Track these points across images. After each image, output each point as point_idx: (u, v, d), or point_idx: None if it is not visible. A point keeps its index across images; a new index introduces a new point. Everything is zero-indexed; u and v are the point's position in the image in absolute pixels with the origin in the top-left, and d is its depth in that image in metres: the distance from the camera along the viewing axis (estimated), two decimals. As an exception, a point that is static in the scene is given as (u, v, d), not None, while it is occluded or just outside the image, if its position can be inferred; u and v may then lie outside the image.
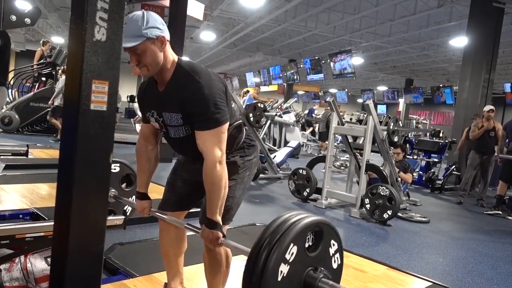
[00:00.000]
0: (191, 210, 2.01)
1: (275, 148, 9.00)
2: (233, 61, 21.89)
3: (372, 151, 5.10)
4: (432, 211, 5.84)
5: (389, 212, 4.57)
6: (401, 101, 21.58)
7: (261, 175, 6.60)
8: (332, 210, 5.21)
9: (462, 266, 3.63)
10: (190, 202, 1.97)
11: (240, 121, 1.86)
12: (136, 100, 4.43)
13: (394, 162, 5.59)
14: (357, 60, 15.78)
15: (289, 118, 9.98)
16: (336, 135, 6.17)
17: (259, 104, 6.86)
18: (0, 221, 2.90)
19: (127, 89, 19.61)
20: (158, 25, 1.58)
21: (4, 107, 7.95)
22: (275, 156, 7.37)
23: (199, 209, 1.85)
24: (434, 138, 9.54)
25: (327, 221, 1.39)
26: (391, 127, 5.93)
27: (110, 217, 2.36)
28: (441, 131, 10.68)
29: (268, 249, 1.25)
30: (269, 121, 8.25)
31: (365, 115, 7.73)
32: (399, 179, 5.62)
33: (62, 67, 8.66)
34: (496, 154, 6.38)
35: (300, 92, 25.47)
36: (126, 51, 1.54)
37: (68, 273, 1.36)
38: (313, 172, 5.49)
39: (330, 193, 5.28)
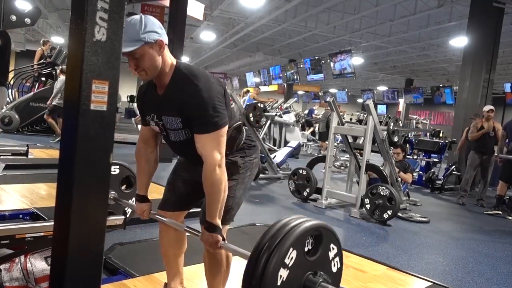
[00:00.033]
0: (191, 210, 2.01)
1: (275, 148, 9.00)
2: (233, 61, 21.90)
3: (372, 151, 5.10)
4: (432, 211, 5.84)
5: (389, 212, 4.57)
6: (401, 101, 21.58)
7: (261, 175, 6.60)
8: (332, 210, 5.21)
9: (462, 266, 3.63)
10: (190, 202, 1.97)
11: (240, 122, 1.86)
12: (135, 102, 4.42)
13: (394, 162, 5.59)
14: (357, 60, 15.78)
15: (289, 118, 9.98)
16: (336, 135, 6.18)
17: (259, 104, 6.87)
18: (0, 221, 2.89)
19: (127, 89, 19.61)
20: (156, 29, 1.58)
21: (4, 107, 7.95)
22: (275, 156, 7.37)
23: (199, 209, 1.85)
24: (434, 138, 9.54)
25: (326, 225, 1.39)
26: (391, 127, 5.93)
27: (110, 217, 2.36)
28: (441, 131, 10.69)
29: (268, 254, 1.25)
30: (269, 121, 8.25)
31: (365, 115, 7.73)
32: (399, 179, 5.62)
33: (61, 67, 8.64)
34: (496, 154, 6.38)
35: (300, 92, 25.47)
36: (124, 56, 1.54)
37: (68, 273, 1.36)
38: (313, 172, 5.49)
39: (330, 193, 5.28)
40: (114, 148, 1.45)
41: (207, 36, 15.55)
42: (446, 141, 8.32)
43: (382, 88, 22.12)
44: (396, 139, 6.07)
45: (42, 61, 9.73)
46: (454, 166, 7.92)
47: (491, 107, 6.73)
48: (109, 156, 1.42)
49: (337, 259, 1.43)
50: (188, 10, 8.31)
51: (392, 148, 6.07)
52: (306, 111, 16.27)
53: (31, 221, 3.02)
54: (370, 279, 2.84)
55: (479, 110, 7.52)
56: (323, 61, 14.30)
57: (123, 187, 2.47)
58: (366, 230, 4.45)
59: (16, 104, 9.09)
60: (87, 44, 1.30)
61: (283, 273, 1.25)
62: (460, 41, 11.27)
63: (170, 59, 1.67)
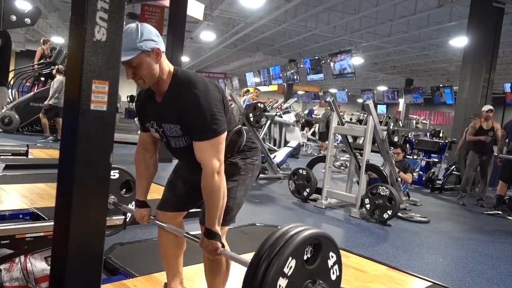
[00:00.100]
0: (191, 210, 2.01)
1: (275, 148, 9.01)
2: (233, 61, 21.90)
3: (372, 151, 5.10)
4: (432, 211, 5.84)
5: (389, 212, 4.57)
6: (401, 101, 21.57)
7: (261, 175, 6.60)
8: (332, 210, 5.21)
9: (462, 266, 3.63)
10: (190, 202, 1.97)
11: (240, 126, 1.86)
12: (134, 108, 4.39)
13: (394, 162, 5.59)
14: (357, 60, 15.78)
15: (289, 118, 9.99)
16: (336, 135, 6.18)
17: (259, 104, 6.87)
18: (0, 221, 2.89)
19: (127, 89, 19.55)
20: (152, 37, 1.58)
21: (4, 107, 7.94)
22: (275, 156, 7.37)
23: (199, 210, 1.85)
24: (434, 138, 9.55)
25: (326, 233, 1.40)
26: (391, 127, 5.93)
27: (109, 217, 2.36)
28: (441, 131, 10.69)
29: (267, 263, 1.25)
30: (269, 121, 8.25)
31: (365, 115, 7.73)
32: (399, 179, 5.63)
33: (57, 67, 8.60)
34: (495, 154, 6.38)
35: (300, 92, 25.47)
36: (122, 65, 1.54)
37: (68, 273, 1.36)
38: (313, 172, 5.49)
39: (330, 193, 5.28)
40: (114, 148, 1.45)
41: (207, 36, 15.55)
42: (446, 141, 8.31)
43: (382, 88, 22.11)
44: (396, 139, 6.07)
45: (42, 61, 9.73)
46: (454, 166, 7.92)
47: (490, 107, 6.73)
48: (109, 156, 1.42)
49: (336, 267, 1.43)
50: (188, 10, 8.30)
51: (392, 148, 6.07)
52: (306, 111, 16.27)
53: (31, 221, 3.02)
54: (370, 279, 2.84)
55: (479, 110, 7.51)
56: (323, 61, 14.30)
57: (123, 191, 2.47)
58: (366, 230, 4.45)
59: (16, 104, 9.09)
60: (87, 44, 1.30)
61: (282, 283, 1.25)
62: (460, 41, 11.27)
63: (168, 66, 1.66)
